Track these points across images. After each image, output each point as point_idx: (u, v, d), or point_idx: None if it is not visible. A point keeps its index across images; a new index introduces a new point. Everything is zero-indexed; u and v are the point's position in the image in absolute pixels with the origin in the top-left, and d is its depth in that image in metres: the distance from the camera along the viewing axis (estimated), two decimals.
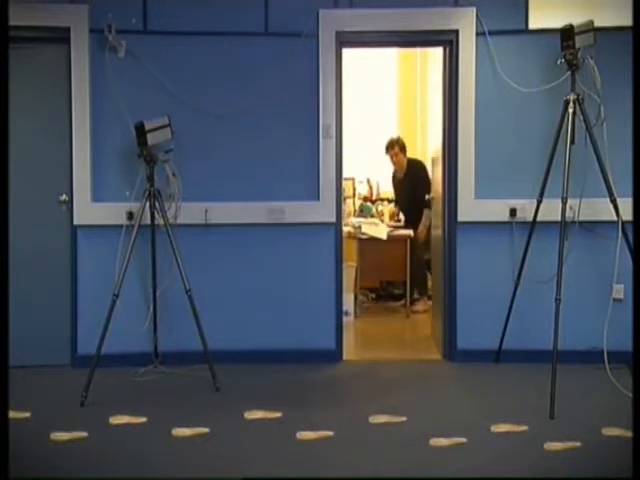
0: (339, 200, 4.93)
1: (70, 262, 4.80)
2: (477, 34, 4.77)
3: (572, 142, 4.26)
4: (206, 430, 3.65)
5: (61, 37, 4.67)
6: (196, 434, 3.61)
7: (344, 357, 5.01)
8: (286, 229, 4.87)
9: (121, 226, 4.61)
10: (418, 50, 7.33)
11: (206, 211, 4.79)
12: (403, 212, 7.09)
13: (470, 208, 4.84)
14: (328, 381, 4.59)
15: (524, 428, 3.65)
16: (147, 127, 4.34)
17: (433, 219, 5.70)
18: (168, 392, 4.33)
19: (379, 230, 6.56)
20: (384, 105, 7.96)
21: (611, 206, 4.31)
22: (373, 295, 7.21)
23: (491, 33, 4.75)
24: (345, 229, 5.97)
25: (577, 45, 4.24)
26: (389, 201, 7.41)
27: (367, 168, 7.69)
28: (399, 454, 3.38)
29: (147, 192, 4.44)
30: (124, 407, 3.95)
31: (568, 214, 4.27)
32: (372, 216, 7.11)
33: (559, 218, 4.18)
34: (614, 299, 4.56)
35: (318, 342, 4.92)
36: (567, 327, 4.21)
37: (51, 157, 4.79)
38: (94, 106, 4.73)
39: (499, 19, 4.77)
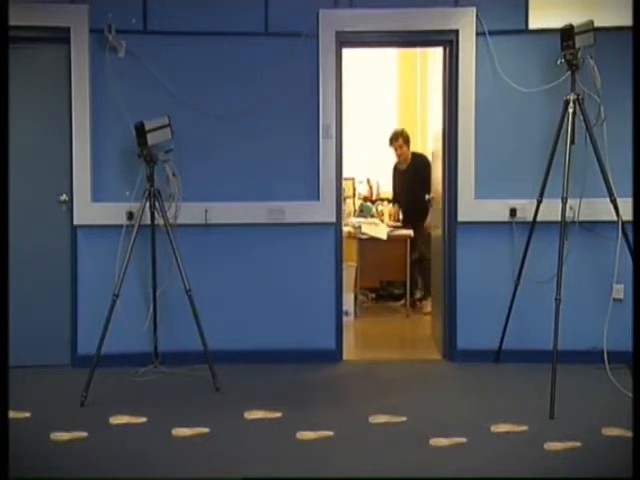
0: (339, 200, 4.93)
1: (70, 262, 4.80)
2: (477, 34, 4.77)
3: (572, 142, 4.26)
4: (206, 430, 3.65)
5: (61, 37, 4.68)
6: (196, 434, 3.61)
7: (344, 357, 5.01)
8: (286, 229, 4.87)
9: (121, 226, 4.61)
10: (418, 50, 7.32)
11: (206, 211, 4.79)
12: (402, 208, 7.02)
13: (470, 208, 4.84)
14: (328, 381, 4.59)
15: (524, 428, 3.65)
16: (147, 127, 4.34)
17: (433, 219, 5.70)
18: (168, 392, 4.33)
19: (379, 230, 6.56)
20: (384, 105, 7.95)
21: (611, 206, 4.31)
22: (373, 295, 7.21)
23: (491, 33, 4.75)
24: (345, 229, 5.98)
25: (577, 45, 4.24)
26: (389, 201, 7.40)
27: (367, 168, 7.69)
28: (399, 454, 3.38)
29: (147, 192, 4.44)
30: (124, 407, 3.95)
31: (568, 214, 4.27)
32: (372, 216, 7.10)
33: (559, 218, 4.18)
34: (614, 299, 4.56)
35: (318, 342, 4.92)
36: (567, 327, 4.21)
37: (51, 157, 4.79)
38: (94, 106, 4.73)
39: (499, 19, 4.77)
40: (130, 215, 4.65)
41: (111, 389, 4.35)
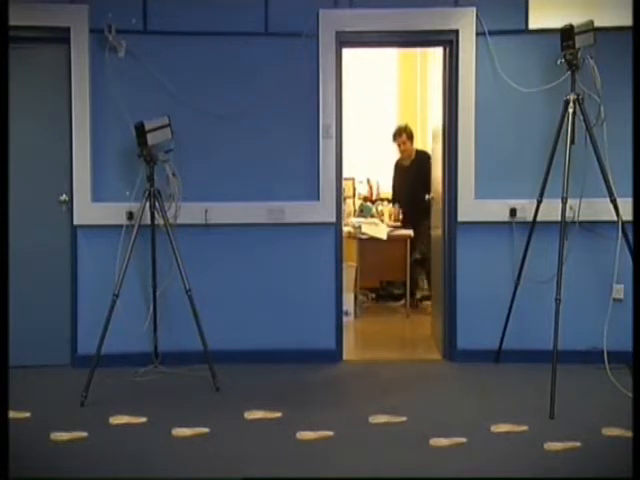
0: (339, 200, 4.93)
1: (70, 262, 4.80)
2: (477, 34, 4.77)
3: (572, 142, 4.26)
4: (206, 430, 3.65)
5: (61, 37, 4.67)
6: (196, 434, 3.61)
7: (344, 357, 5.01)
8: (286, 229, 4.87)
9: (121, 226, 4.61)
10: (418, 50, 7.33)
11: (206, 211, 4.79)
12: (402, 207, 6.99)
13: (470, 208, 4.84)
14: (328, 381, 4.59)
15: (524, 428, 3.65)
16: (147, 127, 4.34)
17: (433, 219, 5.69)
18: (168, 392, 4.33)
19: (379, 230, 6.56)
20: (384, 105, 7.96)
21: (611, 206, 4.31)
22: (373, 295, 7.20)
23: (491, 33, 4.75)
24: (345, 229, 5.97)
25: (577, 45, 4.24)
26: (389, 201, 7.39)
27: (367, 168, 7.70)
28: (399, 454, 3.38)
29: (147, 192, 4.44)
30: (124, 407, 3.95)
31: (568, 214, 4.27)
32: (372, 216, 7.10)
33: (559, 218, 4.18)
34: (614, 299, 4.56)
35: (318, 342, 4.92)
36: (567, 327, 4.21)
37: (51, 157, 4.79)
38: (94, 106, 4.73)
39: (499, 19, 4.77)
40: (130, 215, 4.65)
41: (111, 389, 4.35)
